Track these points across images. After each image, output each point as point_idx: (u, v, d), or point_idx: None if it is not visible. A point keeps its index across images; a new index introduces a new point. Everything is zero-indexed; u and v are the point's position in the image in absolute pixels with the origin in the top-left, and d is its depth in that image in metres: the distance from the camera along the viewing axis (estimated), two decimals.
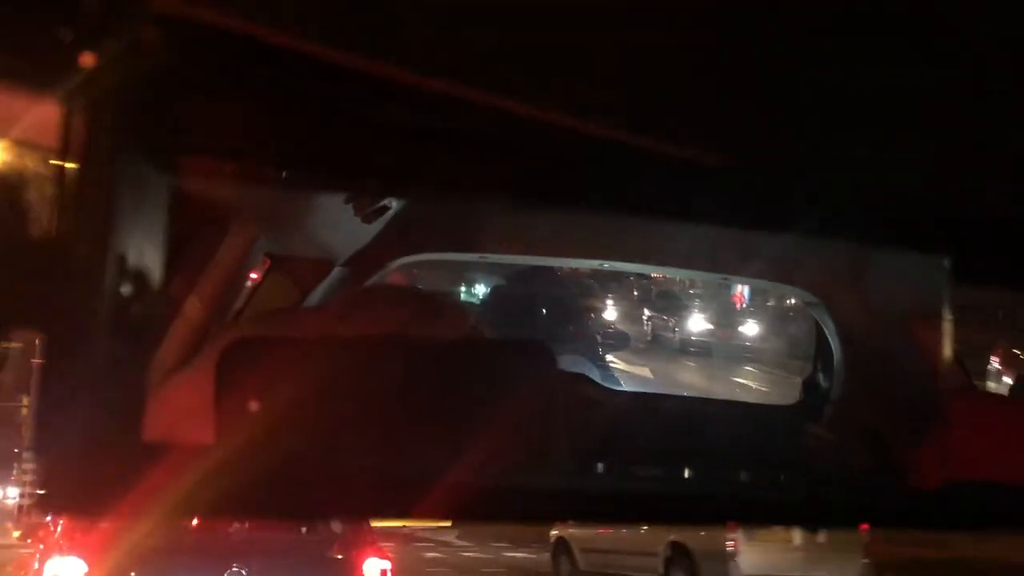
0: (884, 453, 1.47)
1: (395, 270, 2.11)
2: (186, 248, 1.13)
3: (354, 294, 1.52)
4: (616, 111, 0.70)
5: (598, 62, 0.66)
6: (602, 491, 0.85)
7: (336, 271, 1.75)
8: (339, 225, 1.46)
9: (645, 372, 7.09)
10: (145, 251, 0.52)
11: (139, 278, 0.50)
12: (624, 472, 1.15)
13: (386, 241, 1.70)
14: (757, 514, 0.75)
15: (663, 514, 0.76)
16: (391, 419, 0.77)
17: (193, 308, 1.14)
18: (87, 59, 0.47)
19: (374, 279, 1.90)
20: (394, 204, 1.49)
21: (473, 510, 0.72)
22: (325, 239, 1.56)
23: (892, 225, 0.72)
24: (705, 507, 0.70)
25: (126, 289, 0.48)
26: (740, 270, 1.94)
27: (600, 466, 1.04)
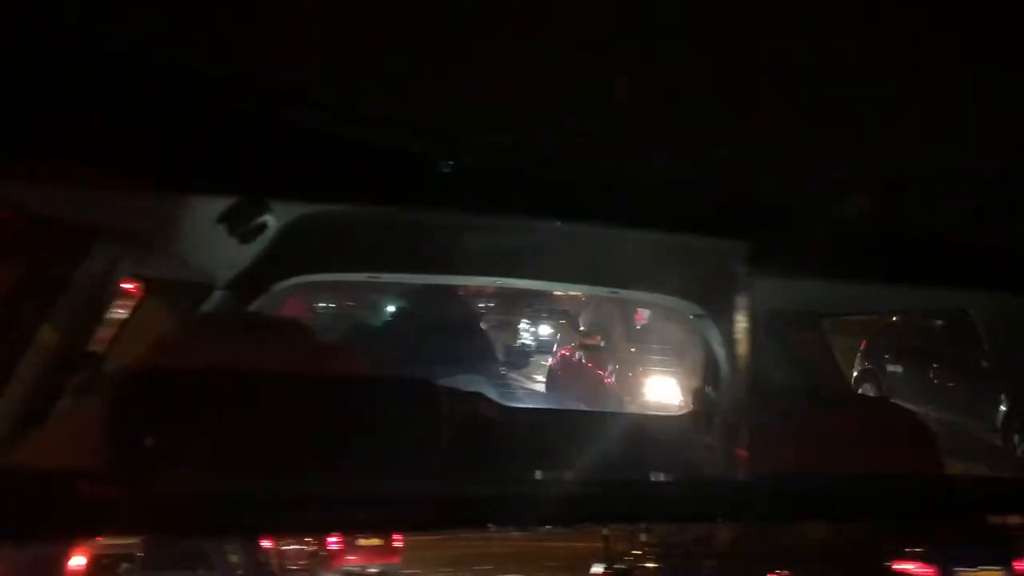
0: (766, 459, 1.50)
1: (289, 292, 2.06)
2: (39, 273, 1.07)
3: (247, 325, 1.49)
4: (491, 117, 0.70)
5: (466, 67, 0.65)
6: (481, 496, 0.90)
7: (217, 294, 1.69)
8: (215, 246, 1.40)
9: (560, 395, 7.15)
10: None
11: None
12: (508, 477, 1.20)
13: (268, 262, 1.65)
14: (620, 513, 0.79)
15: (523, 518, 0.80)
16: (281, 452, 0.82)
17: (49, 336, 1.08)
18: None
19: (260, 301, 1.85)
20: (272, 223, 1.45)
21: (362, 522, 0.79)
22: (200, 260, 1.50)
23: (693, 213, 0.76)
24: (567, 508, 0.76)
25: None
26: (632, 285, 1.97)
27: (483, 474, 1.10)
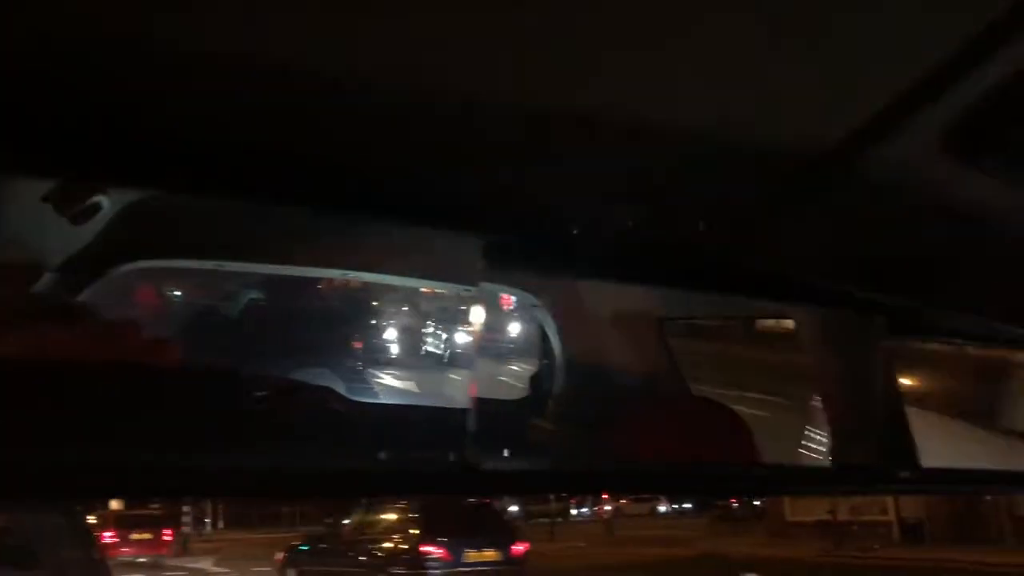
0: (596, 443, 1.59)
1: (131, 278, 1.99)
2: None
3: (69, 311, 1.46)
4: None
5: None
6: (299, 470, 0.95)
7: (47, 277, 1.63)
8: (44, 226, 1.36)
9: (411, 386, 7.13)
10: None
11: None
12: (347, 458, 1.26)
13: (104, 246, 1.60)
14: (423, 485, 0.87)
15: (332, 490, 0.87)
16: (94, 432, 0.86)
17: None
18: None
19: (97, 286, 1.79)
20: (106, 205, 1.41)
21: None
22: (25, 240, 1.44)
23: (437, 210, 0.82)
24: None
25: None
26: (475, 279, 2.02)
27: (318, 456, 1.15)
